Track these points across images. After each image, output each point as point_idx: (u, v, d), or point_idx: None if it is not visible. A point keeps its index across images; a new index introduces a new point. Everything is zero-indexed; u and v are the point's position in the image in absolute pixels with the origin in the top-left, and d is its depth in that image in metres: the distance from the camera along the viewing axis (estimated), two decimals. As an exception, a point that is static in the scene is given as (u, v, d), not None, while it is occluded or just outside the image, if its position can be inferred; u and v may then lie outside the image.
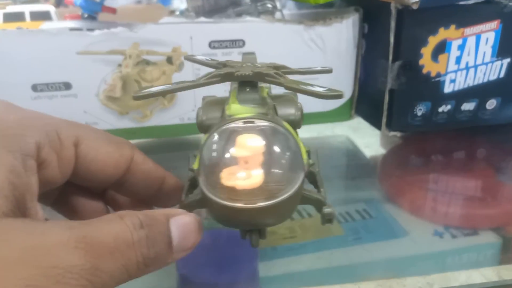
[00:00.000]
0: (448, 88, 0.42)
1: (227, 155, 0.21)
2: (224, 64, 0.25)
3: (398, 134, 0.45)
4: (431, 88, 0.42)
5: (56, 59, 0.39)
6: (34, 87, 0.40)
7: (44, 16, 0.63)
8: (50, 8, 0.64)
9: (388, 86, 0.42)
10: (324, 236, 0.35)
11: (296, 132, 0.24)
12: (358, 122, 0.50)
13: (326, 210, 0.23)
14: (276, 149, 0.22)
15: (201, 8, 0.45)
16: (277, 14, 0.47)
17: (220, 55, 0.41)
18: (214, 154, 0.22)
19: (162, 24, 0.41)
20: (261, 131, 0.22)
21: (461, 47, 0.41)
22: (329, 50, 0.44)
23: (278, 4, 0.50)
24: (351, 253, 0.33)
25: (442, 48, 0.41)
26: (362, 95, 0.48)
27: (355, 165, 0.46)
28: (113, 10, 0.55)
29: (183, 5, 0.62)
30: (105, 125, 0.42)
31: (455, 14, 0.40)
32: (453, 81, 0.42)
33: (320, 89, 0.21)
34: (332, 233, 0.35)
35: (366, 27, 0.45)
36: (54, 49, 0.39)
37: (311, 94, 0.21)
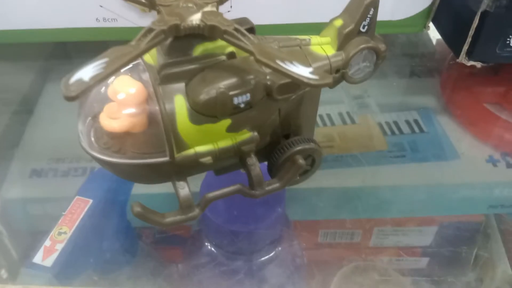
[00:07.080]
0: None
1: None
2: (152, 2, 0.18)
3: (478, 64, 0.36)
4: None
5: None
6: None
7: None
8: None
9: (483, 7, 0.33)
10: (365, 150, 0.32)
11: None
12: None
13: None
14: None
15: None
16: None
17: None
18: None
19: None
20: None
21: None
22: None
23: None
24: (391, 173, 0.31)
25: None
26: (444, 7, 0.39)
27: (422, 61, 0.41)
28: None
29: None
30: (126, 22, 0.38)
31: None
32: None
33: (306, 72, 0.16)
34: (374, 148, 0.32)
35: None
36: None
37: (290, 78, 0.16)
